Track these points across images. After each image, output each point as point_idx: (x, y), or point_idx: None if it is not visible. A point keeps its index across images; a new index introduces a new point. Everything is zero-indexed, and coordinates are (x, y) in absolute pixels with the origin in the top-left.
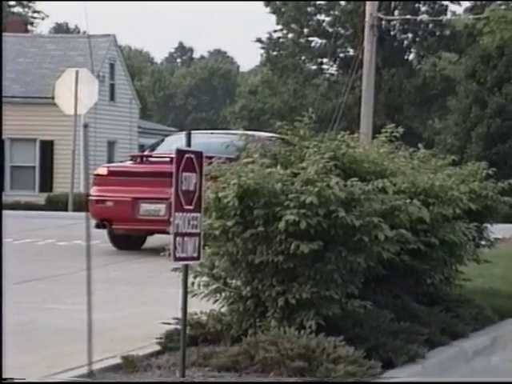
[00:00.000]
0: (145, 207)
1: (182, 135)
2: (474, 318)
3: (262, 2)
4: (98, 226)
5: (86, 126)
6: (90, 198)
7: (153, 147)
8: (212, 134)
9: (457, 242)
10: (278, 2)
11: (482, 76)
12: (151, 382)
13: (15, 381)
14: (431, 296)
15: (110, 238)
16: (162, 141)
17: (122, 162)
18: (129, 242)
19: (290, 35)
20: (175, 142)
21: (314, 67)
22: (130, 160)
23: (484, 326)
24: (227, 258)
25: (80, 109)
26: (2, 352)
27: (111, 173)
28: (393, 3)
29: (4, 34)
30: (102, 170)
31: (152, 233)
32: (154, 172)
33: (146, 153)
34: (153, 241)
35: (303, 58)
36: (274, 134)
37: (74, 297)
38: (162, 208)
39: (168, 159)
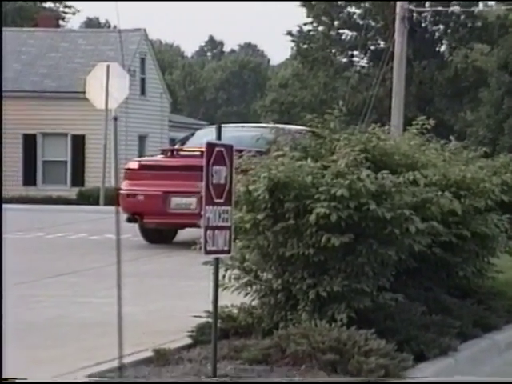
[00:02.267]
0: (176, 201)
1: (213, 129)
2: (507, 311)
3: None
4: (129, 220)
5: (115, 118)
6: (121, 192)
7: (183, 141)
8: (242, 127)
9: (489, 234)
10: None
11: None
12: (169, 383)
13: (15, 381)
14: (463, 288)
15: (140, 232)
16: (193, 134)
17: (152, 155)
18: (160, 235)
19: (321, 28)
20: (206, 135)
21: (345, 60)
22: (161, 154)
23: None
24: (258, 252)
25: (111, 103)
26: (2, 352)
27: (142, 167)
28: None
29: (36, 29)
30: (133, 164)
31: (183, 226)
32: (184, 166)
33: (176, 147)
34: (183, 234)
35: (334, 50)
36: (304, 127)
37: (106, 290)
38: (192, 202)
39: (198, 153)
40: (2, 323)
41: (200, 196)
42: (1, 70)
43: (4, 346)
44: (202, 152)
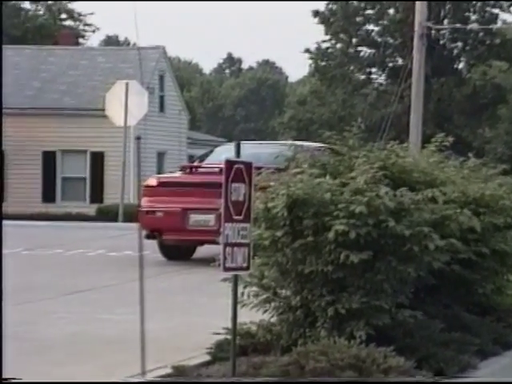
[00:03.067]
0: (194, 218)
1: (231, 146)
2: None
3: (310, 13)
4: (148, 237)
5: (138, 138)
6: (141, 208)
7: (202, 158)
8: (261, 144)
9: (508, 251)
10: (326, 13)
11: None
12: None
13: (15, 381)
14: (482, 306)
15: (160, 249)
16: (211, 151)
17: (171, 172)
18: (178, 252)
19: (339, 45)
20: (224, 152)
21: (363, 77)
22: (180, 171)
23: None
24: (276, 268)
25: (130, 120)
26: (2, 352)
27: (161, 184)
28: (442, 12)
29: (56, 47)
30: (152, 181)
31: (202, 243)
32: (203, 183)
33: (195, 163)
34: (202, 251)
35: (352, 67)
36: (322, 144)
37: (125, 307)
38: (211, 218)
39: (217, 170)
40: (1, 323)
41: (219, 213)
42: (1, 70)
43: (4, 346)
44: (220, 169)
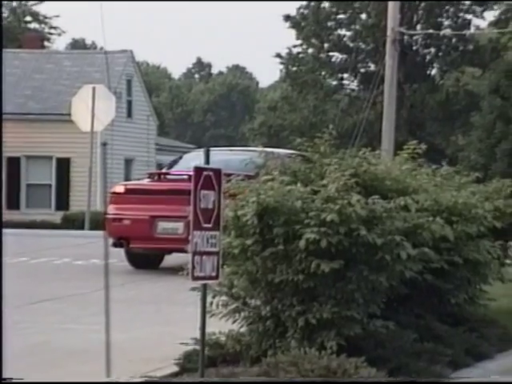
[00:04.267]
0: (162, 225)
1: (201, 152)
2: (499, 339)
3: (281, 17)
4: (115, 245)
5: (104, 144)
6: (107, 216)
7: (171, 165)
8: (231, 151)
9: (481, 260)
10: (297, 17)
11: (506, 91)
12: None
13: (15, 381)
14: (455, 316)
15: (127, 257)
16: (180, 158)
17: (139, 179)
18: (146, 260)
19: (310, 50)
20: (193, 159)
21: (335, 83)
22: (148, 178)
23: (509, 346)
24: (246, 277)
25: (97, 126)
26: (2, 352)
27: (128, 191)
28: (415, 17)
29: (20, 50)
30: (119, 188)
31: (170, 251)
32: (171, 190)
33: (163, 170)
34: (171, 260)
35: (323, 73)
36: (293, 151)
37: (91, 317)
38: (180, 226)
39: (186, 177)
40: (1, 324)
41: (187, 220)
42: (1, 70)
43: (4, 346)
44: (189, 176)
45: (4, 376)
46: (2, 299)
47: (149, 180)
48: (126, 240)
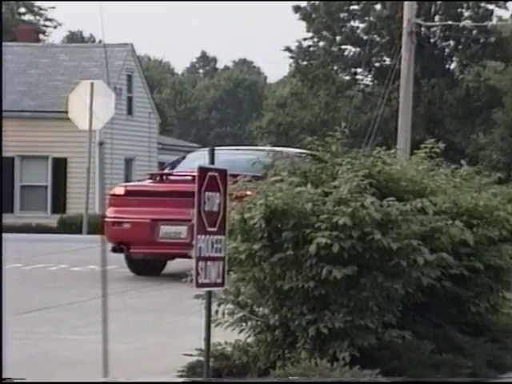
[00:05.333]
0: (165, 229)
1: (205, 152)
2: None
3: (290, 8)
4: (114, 250)
5: (101, 143)
6: (106, 219)
7: (173, 165)
8: (237, 150)
9: (503, 266)
10: (308, 8)
11: None
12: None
13: (15, 381)
14: (476, 325)
15: (127, 263)
16: (184, 158)
17: (140, 180)
18: (148, 266)
19: (322, 43)
20: (197, 159)
21: (348, 78)
22: (149, 179)
23: None
24: (254, 284)
25: (95, 124)
26: (2, 352)
27: (129, 193)
28: (433, 8)
29: (14, 43)
30: (119, 190)
31: (173, 257)
32: (174, 192)
33: (166, 171)
34: (173, 266)
35: (335, 67)
36: (303, 150)
37: (89, 326)
38: (183, 230)
39: (190, 178)
40: (2, 324)
41: (191, 224)
42: (1, 69)
43: (4, 346)
44: (193, 177)
45: (4, 376)
46: (2, 299)
47: (150, 181)
48: (126, 245)
